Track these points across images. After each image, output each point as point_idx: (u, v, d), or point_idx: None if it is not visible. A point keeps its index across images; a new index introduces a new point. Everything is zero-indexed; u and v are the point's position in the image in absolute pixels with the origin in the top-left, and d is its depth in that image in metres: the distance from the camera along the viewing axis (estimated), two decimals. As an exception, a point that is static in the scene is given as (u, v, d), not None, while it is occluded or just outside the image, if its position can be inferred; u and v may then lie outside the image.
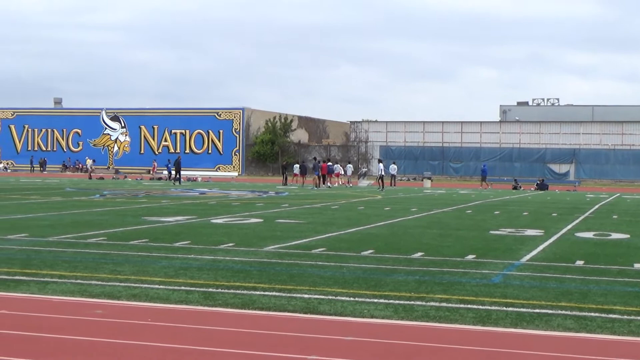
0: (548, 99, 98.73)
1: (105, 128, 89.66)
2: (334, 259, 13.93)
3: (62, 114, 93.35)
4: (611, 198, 41.82)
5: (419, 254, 14.71)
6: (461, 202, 34.36)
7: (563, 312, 9.38)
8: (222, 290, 10.42)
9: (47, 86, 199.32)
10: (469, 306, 9.63)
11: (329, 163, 56.22)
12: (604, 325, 8.72)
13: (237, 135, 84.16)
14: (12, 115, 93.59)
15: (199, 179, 65.29)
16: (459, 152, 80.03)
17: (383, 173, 51.73)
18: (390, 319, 8.89)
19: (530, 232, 19.83)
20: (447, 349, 7.60)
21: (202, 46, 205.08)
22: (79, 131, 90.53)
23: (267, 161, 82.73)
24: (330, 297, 10.06)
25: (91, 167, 69.03)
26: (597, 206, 33.05)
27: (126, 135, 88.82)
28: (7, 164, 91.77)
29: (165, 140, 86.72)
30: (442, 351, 7.53)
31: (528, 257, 14.66)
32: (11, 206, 26.87)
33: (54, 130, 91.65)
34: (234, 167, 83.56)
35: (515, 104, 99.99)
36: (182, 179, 56.71)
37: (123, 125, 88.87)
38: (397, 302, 9.85)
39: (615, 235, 19.31)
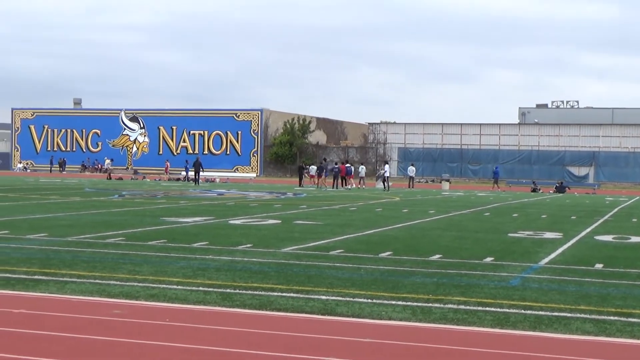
0: (567, 102, 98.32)
1: (124, 129, 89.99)
2: (352, 260, 13.91)
3: (81, 115, 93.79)
4: (631, 201, 41.58)
5: (437, 256, 14.67)
6: (479, 205, 34.26)
7: (582, 315, 9.33)
8: (240, 291, 10.43)
9: (67, 86, 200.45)
10: (487, 309, 9.59)
11: (347, 164, 56.22)
12: (623, 329, 8.67)
13: (256, 137, 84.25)
14: (32, 115, 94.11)
15: (217, 179, 65.40)
16: (478, 155, 79.77)
17: (388, 174, 52.47)
18: (408, 321, 8.87)
19: (549, 234, 19.74)
20: (465, 352, 7.57)
21: (221, 47, 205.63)
22: (98, 131, 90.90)
23: (285, 162, 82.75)
24: (347, 299, 10.04)
25: (109, 167, 69.24)
26: (616, 209, 32.87)
27: (145, 135, 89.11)
28: (27, 164, 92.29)
29: (184, 141, 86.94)
30: (460, 354, 7.51)
31: (547, 260, 14.59)
32: (31, 206, 27.01)
33: (74, 130, 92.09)
34: (252, 168, 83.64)
35: (535, 106, 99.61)
36: (200, 180, 56.85)
37: (142, 125, 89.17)
38: (415, 304, 9.82)
39: (634, 239, 19.19)
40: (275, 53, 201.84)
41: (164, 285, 10.78)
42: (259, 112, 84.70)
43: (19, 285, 10.66)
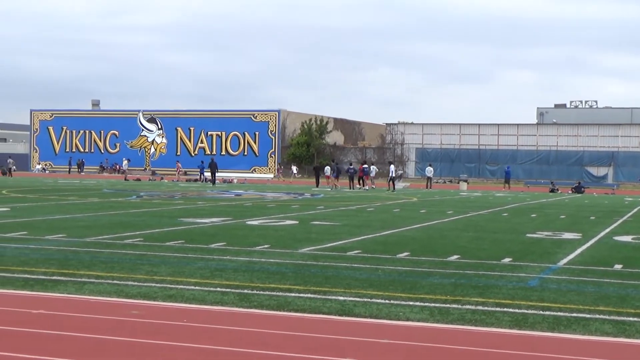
0: (586, 101, 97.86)
1: (142, 130, 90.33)
2: (369, 261, 13.89)
3: (99, 116, 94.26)
4: (650, 201, 41.31)
5: (455, 256, 14.62)
6: (497, 205, 34.16)
7: (601, 316, 9.27)
8: (258, 292, 10.43)
9: (85, 88, 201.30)
10: (505, 309, 9.55)
11: (365, 165, 56.17)
12: (643, 330, 8.61)
13: (273, 137, 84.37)
14: (51, 116, 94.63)
15: (235, 180, 65.52)
16: (496, 155, 79.57)
17: (394, 175, 52.62)
18: (426, 322, 8.84)
19: (567, 235, 19.64)
20: (483, 353, 7.54)
21: (239, 48, 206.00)
22: (117, 133, 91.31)
23: (302, 163, 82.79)
24: (365, 300, 10.02)
25: (126, 168, 69.50)
26: (635, 209, 32.67)
27: (163, 137, 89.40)
28: (46, 165, 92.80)
29: (202, 142, 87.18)
30: (478, 355, 7.48)
31: (565, 260, 14.52)
32: (49, 207, 27.14)
33: (92, 131, 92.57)
34: (269, 168, 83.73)
35: (553, 106, 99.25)
36: (217, 181, 56.98)
37: (160, 126, 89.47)
38: (432, 305, 9.79)
39: (654, 239, 19.06)
40: (293, 54, 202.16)
41: (182, 286, 10.79)
42: (277, 113, 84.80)
43: (37, 285, 10.71)
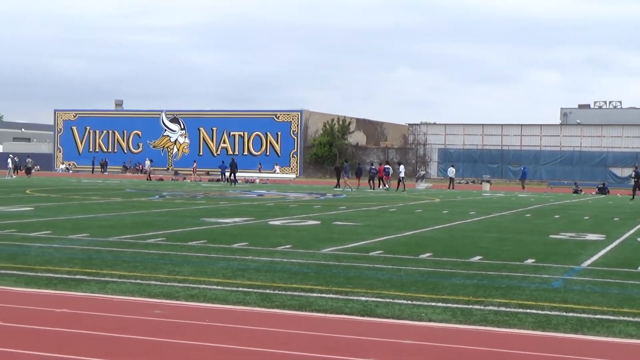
0: (610, 102, 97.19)
1: (165, 130, 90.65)
2: (392, 261, 13.86)
3: (122, 116, 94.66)
4: (675, 203, 40.97)
5: (478, 257, 14.57)
6: (520, 206, 34.00)
7: (625, 318, 9.21)
8: (280, 292, 10.43)
9: (108, 88, 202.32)
10: (528, 311, 9.50)
11: (387, 166, 56.09)
12: (668, 332, 8.54)
13: (295, 138, 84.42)
14: (74, 116, 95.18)
15: (257, 180, 65.61)
16: (519, 155, 79.22)
17: (403, 175, 52.23)
18: (448, 323, 8.81)
19: (591, 236, 19.52)
20: (506, 354, 7.50)
21: (261, 49, 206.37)
22: (139, 133, 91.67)
23: (325, 163, 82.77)
24: (387, 300, 10.00)
25: (148, 168, 69.75)
26: (660, 211, 32.40)
27: (185, 137, 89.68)
28: (69, 164, 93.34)
29: (224, 142, 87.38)
30: (501, 356, 7.44)
31: (589, 262, 14.42)
32: (73, 206, 27.30)
33: (115, 131, 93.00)
34: (291, 169, 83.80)
35: (577, 106, 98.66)
36: (238, 180, 57.11)
37: (182, 127, 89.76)
38: (455, 305, 9.76)
39: (679, 241, 18.90)
40: (315, 54, 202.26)
41: (204, 286, 10.82)
42: (299, 113, 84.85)
43: (61, 284, 10.77)
